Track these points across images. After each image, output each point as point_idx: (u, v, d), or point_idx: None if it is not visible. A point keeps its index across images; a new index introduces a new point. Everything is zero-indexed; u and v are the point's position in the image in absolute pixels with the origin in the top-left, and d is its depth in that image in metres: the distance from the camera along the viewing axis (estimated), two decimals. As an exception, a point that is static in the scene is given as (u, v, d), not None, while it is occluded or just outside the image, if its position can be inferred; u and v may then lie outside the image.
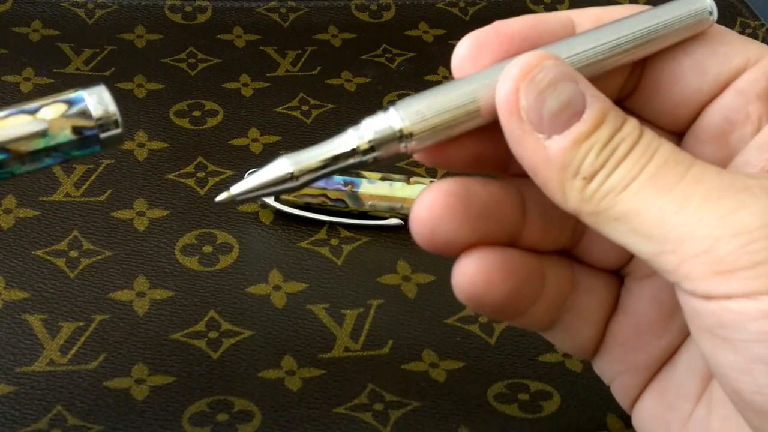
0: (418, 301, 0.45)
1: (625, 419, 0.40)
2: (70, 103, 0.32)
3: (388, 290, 0.46)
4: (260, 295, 0.45)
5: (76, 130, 0.32)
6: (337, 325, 0.44)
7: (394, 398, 0.41)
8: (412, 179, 0.48)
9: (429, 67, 0.58)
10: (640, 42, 0.32)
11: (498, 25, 0.32)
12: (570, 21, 0.32)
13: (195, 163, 0.51)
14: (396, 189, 0.48)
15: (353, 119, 0.54)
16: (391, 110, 0.30)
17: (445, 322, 0.44)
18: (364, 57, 0.59)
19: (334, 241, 0.48)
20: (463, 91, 0.30)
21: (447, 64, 0.58)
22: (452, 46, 0.61)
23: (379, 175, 0.48)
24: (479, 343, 0.44)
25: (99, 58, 0.57)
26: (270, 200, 0.48)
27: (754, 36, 0.62)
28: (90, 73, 0.56)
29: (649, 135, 0.29)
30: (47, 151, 0.32)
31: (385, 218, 0.48)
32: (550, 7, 0.64)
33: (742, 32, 0.62)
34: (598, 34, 0.31)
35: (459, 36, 0.63)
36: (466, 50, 0.32)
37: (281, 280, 0.45)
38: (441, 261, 0.47)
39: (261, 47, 0.59)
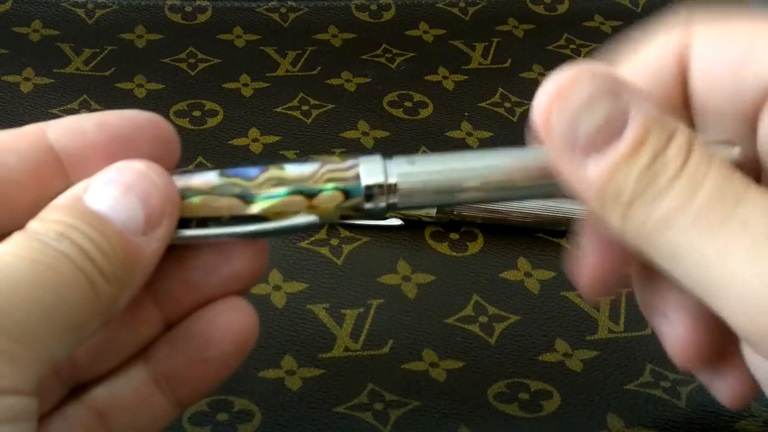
0: (418, 301, 0.45)
1: (625, 418, 0.40)
2: (348, 194, 0.30)
3: (388, 290, 0.46)
4: (260, 295, 0.45)
5: (342, 216, 0.31)
6: (337, 325, 0.44)
7: (394, 398, 0.41)
8: None
9: (429, 67, 0.58)
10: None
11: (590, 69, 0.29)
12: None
13: (195, 163, 0.51)
14: None
15: (353, 119, 0.54)
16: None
17: (445, 321, 0.44)
18: (364, 57, 0.59)
19: (334, 241, 0.48)
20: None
21: (447, 64, 0.59)
22: (452, 46, 0.61)
23: None
24: (479, 342, 0.44)
25: (99, 58, 0.57)
26: None
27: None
28: (90, 73, 0.56)
29: (697, 158, 0.27)
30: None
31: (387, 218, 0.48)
32: (550, 7, 0.64)
33: (742, 32, 0.62)
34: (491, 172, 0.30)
35: (459, 36, 0.64)
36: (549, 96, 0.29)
37: (281, 279, 0.45)
38: (441, 261, 0.47)
39: (261, 47, 0.59)
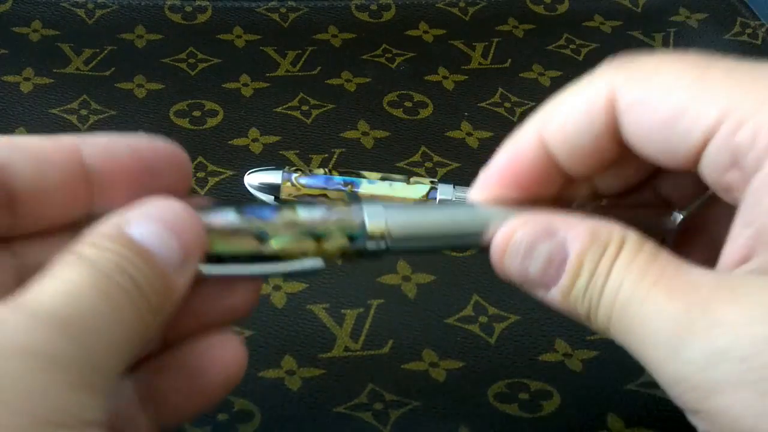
0: (418, 301, 0.45)
1: (625, 418, 0.40)
2: (353, 239, 0.33)
3: (388, 290, 0.46)
4: (260, 295, 0.44)
5: (344, 257, 0.34)
6: (337, 325, 0.44)
7: (394, 398, 0.41)
8: (412, 179, 0.48)
9: (429, 67, 0.58)
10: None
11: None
12: None
13: (195, 163, 0.51)
14: (396, 189, 0.48)
15: (353, 119, 0.54)
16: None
17: (445, 321, 0.44)
18: (364, 57, 0.59)
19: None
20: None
21: (447, 64, 0.59)
22: (452, 46, 0.61)
23: (379, 175, 0.48)
24: (479, 342, 0.44)
25: (99, 58, 0.57)
26: (270, 200, 0.48)
27: (754, 36, 0.62)
28: (90, 73, 0.56)
29: (622, 259, 0.31)
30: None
31: None
32: (550, 7, 0.64)
33: (742, 32, 0.62)
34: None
35: (459, 36, 0.64)
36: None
37: (281, 279, 0.45)
38: (441, 261, 0.47)
39: (261, 47, 0.59)
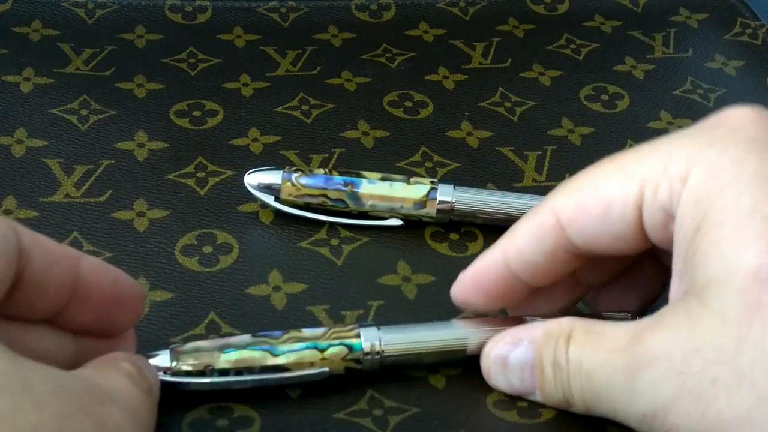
0: (418, 301, 0.45)
1: (624, 427, 0.40)
2: (351, 349, 0.40)
3: (388, 291, 0.46)
4: (260, 296, 0.45)
5: (346, 369, 0.40)
6: (336, 329, 0.44)
7: (394, 404, 0.41)
8: (412, 179, 0.48)
9: (429, 67, 0.58)
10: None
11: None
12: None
13: (195, 163, 0.51)
14: (396, 189, 0.48)
15: (353, 119, 0.54)
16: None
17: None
18: (364, 57, 0.59)
19: (334, 242, 0.48)
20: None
21: (447, 64, 0.59)
22: (452, 46, 0.61)
23: (379, 175, 0.48)
24: (479, 347, 0.44)
25: (99, 58, 0.57)
26: (270, 200, 0.48)
27: (754, 36, 0.62)
28: (90, 73, 0.56)
29: (573, 355, 0.37)
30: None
31: (385, 218, 0.48)
32: (550, 7, 0.64)
33: (742, 32, 0.62)
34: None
35: (459, 36, 0.64)
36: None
37: (281, 280, 0.45)
38: (441, 261, 0.47)
39: (261, 47, 0.59)
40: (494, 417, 0.40)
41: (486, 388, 0.41)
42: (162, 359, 0.39)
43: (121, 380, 0.34)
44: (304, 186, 0.47)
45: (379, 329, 0.41)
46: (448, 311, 0.45)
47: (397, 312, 0.45)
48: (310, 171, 0.48)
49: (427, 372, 0.42)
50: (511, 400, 0.41)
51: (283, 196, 0.48)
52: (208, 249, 0.47)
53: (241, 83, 0.56)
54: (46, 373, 0.31)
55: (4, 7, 0.59)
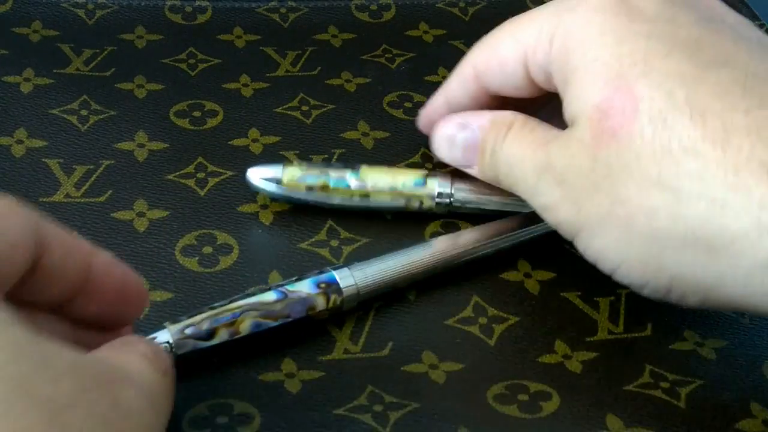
0: (418, 302, 0.45)
1: (624, 419, 0.40)
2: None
3: (388, 291, 0.46)
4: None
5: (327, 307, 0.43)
6: (336, 328, 0.44)
7: (394, 399, 0.41)
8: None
9: (429, 68, 0.58)
10: None
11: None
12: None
13: (195, 163, 0.51)
14: (396, 171, 0.48)
15: (353, 120, 0.54)
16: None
17: (445, 323, 0.44)
18: (364, 57, 0.59)
19: (334, 243, 0.48)
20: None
21: (447, 65, 0.59)
22: (452, 47, 0.61)
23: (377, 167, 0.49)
24: (479, 344, 0.44)
25: (99, 59, 0.57)
26: (272, 187, 0.48)
27: (754, 36, 0.62)
28: (90, 73, 0.56)
29: (511, 134, 0.45)
30: None
31: (386, 201, 0.48)
32: (550, 7, 0.64)
33: (742, 32, 0.62)
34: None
35: (459, 36, 0.64)
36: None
37: (280, 281, 0.45)
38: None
39: (261, 47, 0.59)
40: (494, 412, 0.40)
41: (486, 382, 0.41)
42: (162, 335, 0.40)
43: (137, 362, 0.35)
44: (306, 168, 0.48)
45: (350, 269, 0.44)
46: (447, 309, 0.45)
47: (396, 313, 0.45)
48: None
49: (427, 367, 0.42)
50: (512, 394, 0.41)
51: (285, 180, 0.48)
52: (208, 249, 0.47)
53: (241, 83, 0.56)
54: (64, 350, 0.31)
55: (4, 7, 0.59)
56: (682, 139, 0.39)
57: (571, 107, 0.43)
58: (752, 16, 0.64)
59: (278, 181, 0.48)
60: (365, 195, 0.48)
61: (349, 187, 0.48)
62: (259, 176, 0.48)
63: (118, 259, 0.38)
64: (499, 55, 0.47)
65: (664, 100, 0.39)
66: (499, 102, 0.48)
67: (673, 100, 0.39)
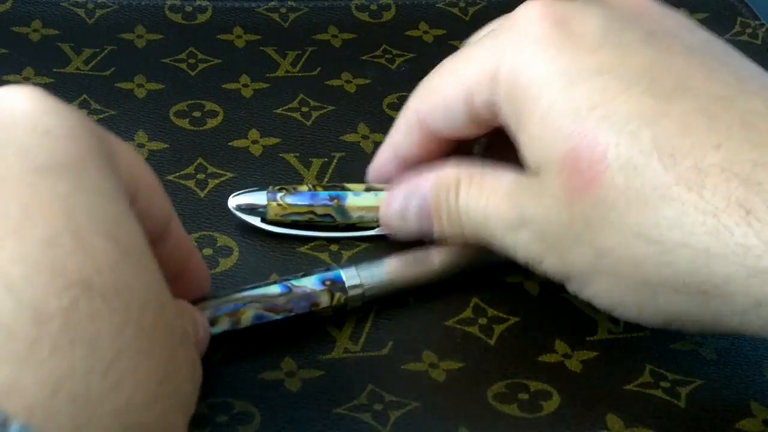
0: (417, 304, 0.45)
1: (625, 418, 0.40)
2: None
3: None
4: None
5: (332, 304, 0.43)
6: (336, 327, 0.44)
7: (394, 398, 0.41)
8: None
9: (429, 68, 0.58)
10: None
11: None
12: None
13: (195, 164, 0.51)
14: (382, 199, 0.47)
15: (353, 121, 0.54)
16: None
17: (445, 323, 0.44)
18: (364, 58, 0.59)
19: (333, 247, 0.47)
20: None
21: (447, 65, 0.59)
22: (453, 47, 0.61)
23: (362, 186, 0.48)
24: (479, 343, 0.44)
25: (99, 58, 0.57)
26: (256, 222, 0.47)
27: (754, 36, 0.62)
28: (90, 73, 0.56)
29: (463, 193, 0.44)
30: None
31: (372, 228, 0.48)
32: (550, 8, 0.64)
33: (742, 32, 0.62)
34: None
35: (459, 36, 0.64)
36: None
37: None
38: (441, 261, 0.47)
39: (261, 47, 0.59)
40: (494, 410, 0.40)
41: (486, 381, 0.41)
42: None
43: (188, 326, 0.36)
44: (290, 205, 0.47)
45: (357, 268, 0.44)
46: (447, 310, 0.45)
47: (397, 312, 0.45)
48: (294, 189, 0.47)
49: (427, 366, 0.42)
50: (512, 393, 0.41)
51: (269, 216, 0.47)
52: (207, 251, 0.46)
53: (240, 84, 0.56)
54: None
55: (4, 7, 0.59)
56: (656, 186, 0.37)
57: (533, 155, 0.41)
58: (752, 16, 0.64)
59: (263, 219, 0.47)
60: (351, 225, 0.48)
61: (334, 220, 0.47)
62: (241, 205, 0.47)
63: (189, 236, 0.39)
64: (443, 97, 0.45)
65: (629, 145, 0.38)
66: (447, 145, 0.47)
67: (640, 144, 0.38)
